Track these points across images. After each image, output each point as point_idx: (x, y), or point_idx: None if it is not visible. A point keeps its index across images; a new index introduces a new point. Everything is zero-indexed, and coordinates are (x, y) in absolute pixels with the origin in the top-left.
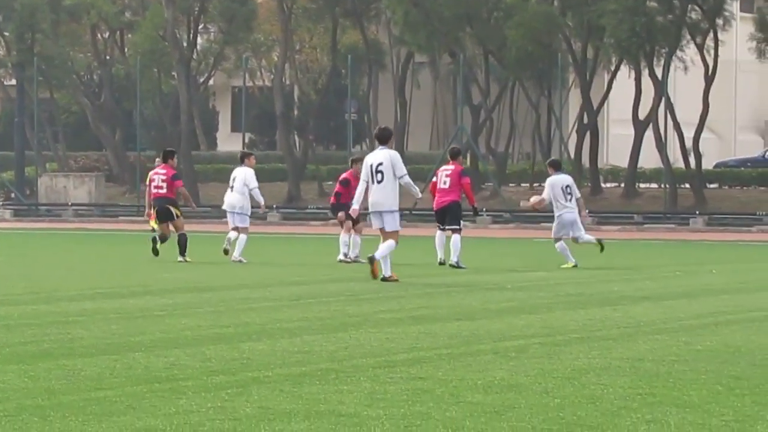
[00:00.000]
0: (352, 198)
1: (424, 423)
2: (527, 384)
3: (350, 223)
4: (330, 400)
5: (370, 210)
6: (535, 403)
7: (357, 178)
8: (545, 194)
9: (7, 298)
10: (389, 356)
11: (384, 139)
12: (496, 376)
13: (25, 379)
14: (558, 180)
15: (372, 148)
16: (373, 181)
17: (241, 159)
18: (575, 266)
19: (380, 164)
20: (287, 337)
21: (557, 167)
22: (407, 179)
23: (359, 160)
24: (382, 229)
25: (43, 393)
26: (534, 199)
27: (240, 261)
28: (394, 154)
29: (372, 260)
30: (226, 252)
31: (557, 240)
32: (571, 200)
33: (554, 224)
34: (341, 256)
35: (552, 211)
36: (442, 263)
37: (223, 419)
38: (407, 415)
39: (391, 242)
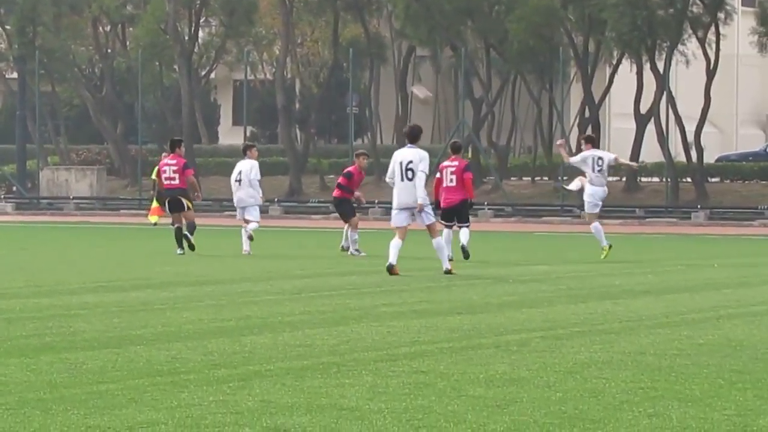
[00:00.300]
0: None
1: (426, 416)
2: (529, 378)
3: (357, 220)
4: (332, 393)
5: (397, 207)
6: (537, 396)
7: (361, 172)
8: (572, 158)
9: (9, 292)
10: (391, 350)
11: (414, 137)
12: (498, 370)
13: (27, 373)
14: (590, 152)
15: (373, 142)
16: (402, 179)
17: (244, 151)
18: (611, 247)
19: (410, 162)
20: (289, 331)
21: (594, 143)
22: (424, 178)
23: (363, 155)
24: (404, 227)
25: (45, 386)
26: (565, 154)
27: (248, 242)
28: (424, 154)
29: (449, 272)
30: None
31: (593, 217)
32: (600, 171)
33: (585, 201)
34: (353, 252)
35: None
36: (450, 258)
37: (225, 413)
38: (409, 408)
39: (440, 240)
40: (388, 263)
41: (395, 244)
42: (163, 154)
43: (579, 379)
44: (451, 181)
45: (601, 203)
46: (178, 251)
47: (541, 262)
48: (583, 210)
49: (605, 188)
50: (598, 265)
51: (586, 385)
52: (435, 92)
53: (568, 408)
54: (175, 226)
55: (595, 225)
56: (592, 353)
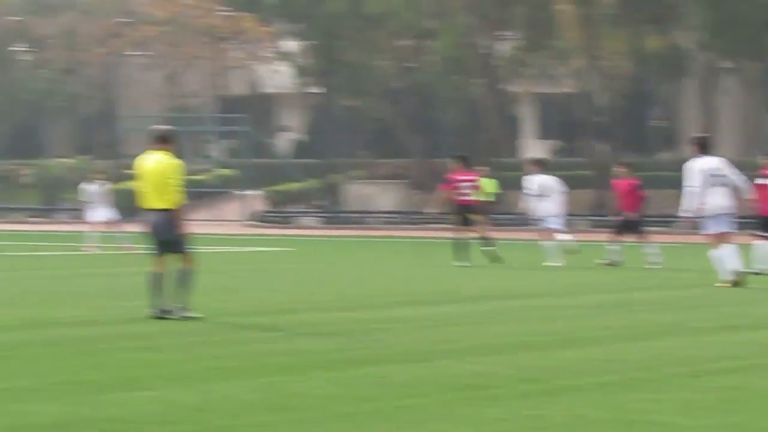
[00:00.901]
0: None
1: None
2: None
3: (620, 230)
4: (642, 409)
5: (711, 214)
6: None
7: (622, 183)
8: None
9: (317, 306)
10: (700, 365)
11: (708, 147)
12: None
13: (334, 386)
14: None
15: (678, 155)
16: (711, 186)
17: (539, 165)
18: None
19: (718, 169)
20: (595, 345)
21: None
22: (742, 178)
23: (618, 164)
24: (722, 234)
25: (352, 400)
26: None
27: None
28: (725, 160)
29: (740, 276)
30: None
31: None
32: None
33: None
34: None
35: None
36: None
37: (534, 427)
38: (722, 425)
39: (716, 251)
40: (732, 279)
41: (723, 255)
42: (453, 164)
43: None
44: None
45: None
46: (460, 263)
47: None
48: None
49: None
50: None
51: None
52: (741, 104)
53: None
54: (458, 237)
55: None
56: None
